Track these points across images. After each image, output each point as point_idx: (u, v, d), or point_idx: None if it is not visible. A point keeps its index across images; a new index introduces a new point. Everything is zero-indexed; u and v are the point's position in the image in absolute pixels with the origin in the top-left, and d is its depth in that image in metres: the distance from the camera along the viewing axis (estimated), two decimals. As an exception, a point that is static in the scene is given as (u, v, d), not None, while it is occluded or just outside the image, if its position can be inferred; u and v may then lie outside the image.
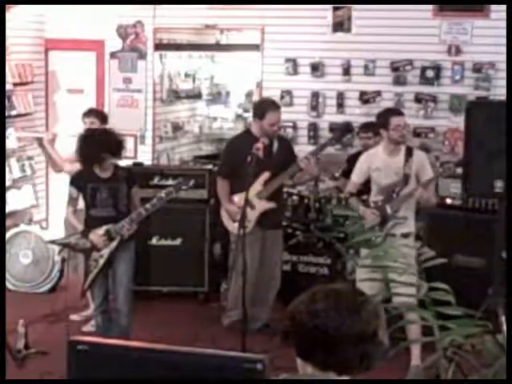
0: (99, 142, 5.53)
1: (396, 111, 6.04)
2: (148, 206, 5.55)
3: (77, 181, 5.69)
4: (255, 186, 6.16)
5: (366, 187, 5.98)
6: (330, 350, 2.15)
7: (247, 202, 5.73)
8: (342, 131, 6.85)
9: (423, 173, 5.79)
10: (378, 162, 5.84)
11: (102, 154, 5.51)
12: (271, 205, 6.21)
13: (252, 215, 6.22)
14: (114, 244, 5.53)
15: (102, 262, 5.55)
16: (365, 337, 2.16)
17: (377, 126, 6.11)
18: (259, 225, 6.26)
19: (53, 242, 6.27)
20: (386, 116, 5.85)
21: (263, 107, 6.27)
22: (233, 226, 6.27)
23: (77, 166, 6.25)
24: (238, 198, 6.18)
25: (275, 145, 6.16)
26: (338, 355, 2.16)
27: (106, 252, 5.54)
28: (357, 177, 5.96)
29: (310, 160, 6.09)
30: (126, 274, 5.65)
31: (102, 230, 5.51)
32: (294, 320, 2.21)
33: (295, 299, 2.27)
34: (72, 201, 5.70)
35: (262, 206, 6.22)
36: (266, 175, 6.16)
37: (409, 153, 5.79)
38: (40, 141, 6.83)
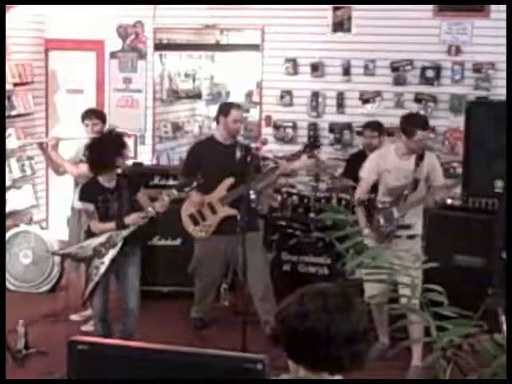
0: (114, 146, 5.48)
1: (425, 126, 5.69)
2: (150, 209, 5.55)
3: (87, 194, 5.56)
4: (219, 190, 6.20)
5: (371, 187, 5.93)
6: (321, 351, 2.14)
7: (209, 206, 6.18)
8: (308, 147, 6.69)
9: (434, 175, 5.71)
10: (388, 164, 5.74)
11: (116, 159, 5.46)
12: (234, 211, 6.13)
13: (213, 220, 6.26)
14: (114, 251, 5.48)
15: (103, 269, 5.48)
16: (355, 336, 2.15)
17: (394, 130, 6.03)
18: (221, 231, 6.24)
19: (54, 253, 6.98)
20: (412, 127, 5.59)
21: (227, 106, 6.43)
22: (192, 228, 6.35)
23: (79, 168, 6.24)
24: (200, 199, 6.24)
25: (237, 151, 6.16)
26: (329, 356, 2.15)
27: (107, 259, 5.48)
28: (368, 175, 5.85)
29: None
30: (137, 277, 5.65)
31: (103, 238, 5.51)
32: (283, 323, 2.19)
33: (283, 301, 2.26)
34: (92, 214, 5.53)
35: (225, 211, 6.22)
36: (230, 180, 6.15)
37: (420, 155, 5.67)
38: (42, 145, 6.76)
